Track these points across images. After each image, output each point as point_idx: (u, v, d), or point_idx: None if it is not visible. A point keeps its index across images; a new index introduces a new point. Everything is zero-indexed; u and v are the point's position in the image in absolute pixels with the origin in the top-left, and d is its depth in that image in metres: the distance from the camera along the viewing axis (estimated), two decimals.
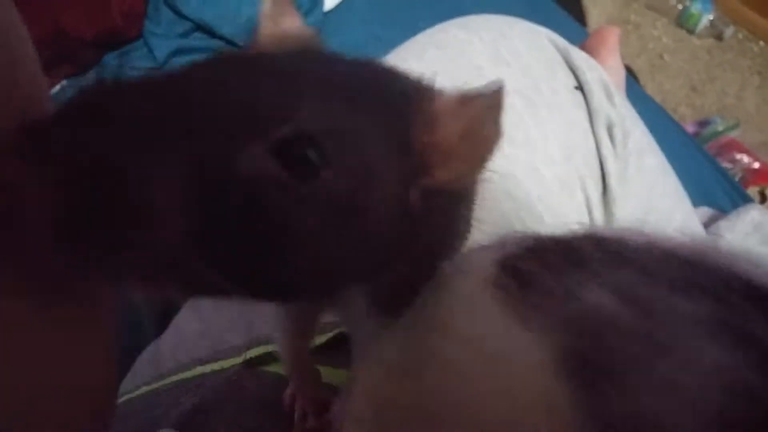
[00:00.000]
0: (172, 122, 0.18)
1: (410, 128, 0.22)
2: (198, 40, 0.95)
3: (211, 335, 0.51)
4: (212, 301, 0.54)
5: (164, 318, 0.60)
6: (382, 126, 0.22)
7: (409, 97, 0.23)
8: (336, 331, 0.39)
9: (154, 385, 0.39)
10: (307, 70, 0.22)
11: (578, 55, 0.64)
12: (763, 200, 1.24)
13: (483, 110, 0.23)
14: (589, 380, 0.15)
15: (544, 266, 0.19)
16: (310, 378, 0.34)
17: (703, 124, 1.48)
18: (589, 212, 0.58)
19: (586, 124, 0.60)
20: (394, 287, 0.26)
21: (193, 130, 0.18)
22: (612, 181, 0.58)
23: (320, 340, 0.38)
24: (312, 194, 0.20)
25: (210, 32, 0.95)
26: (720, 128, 1.46)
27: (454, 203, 0.26)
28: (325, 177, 0.20)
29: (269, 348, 0.37)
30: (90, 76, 0.19)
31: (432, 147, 0.22)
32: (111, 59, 0.91)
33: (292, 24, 0.26)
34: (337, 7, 1.03)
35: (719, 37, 1.74)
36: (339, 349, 0.37)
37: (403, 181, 0.22)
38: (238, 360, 0.37)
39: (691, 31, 1.73)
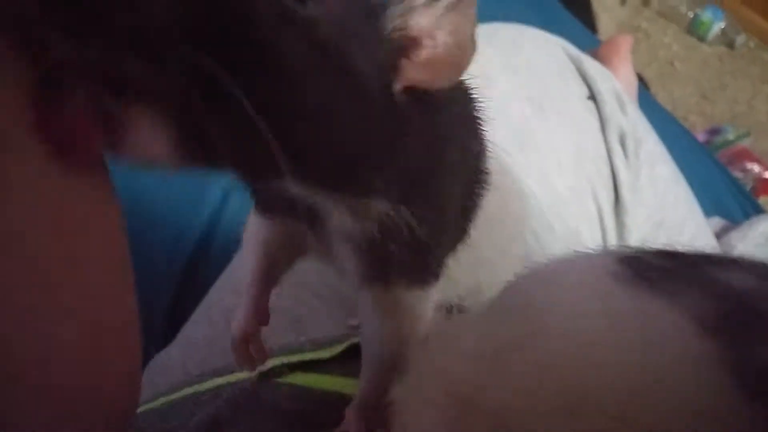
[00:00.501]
0: None
1: (385, 16, 0.24)
2: None
3: (221, 342, 0.51)
4: (221, 309, 0.54)
5: (172, 326, 0.60)
6: (362, 6, 0.23)
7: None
8: (348, 342, 0.39)
9: (170, 397, 0.38)
10: None
11: (591, 65, 0.64)
12: None
13: (454, 9, 0.24)
14: (737, 336, 0.16)
15: (683, 263, 0.20)
16: (263, 310, 0.35)
17: (713, 132, 1.47)
18: (601, 221, 0.57)
19: (598, 134, 0.60)
20: (382, 239, 0.27)
21: None
22: (624, 191, 0.58)
23: (333, 351, 0.38)
24: (300, 19, 0.20)
25: None
26: (731, 137, 1.45)
27: (440, 123, 0.27)
28: (312, 9, 0.21)
29: (284, 359, 0.37)
30: None
31: (406, 36, 0.24)
32: None
33: None
34: None
35: (730, 45, 1.73)
36: (351, 359, 0.37)
37: (382, 60, 0.23)
38: (254, 374, 0.37)
39: (702, 39, 1.73)
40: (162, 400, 0.38)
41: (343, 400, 0.33)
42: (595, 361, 0.18)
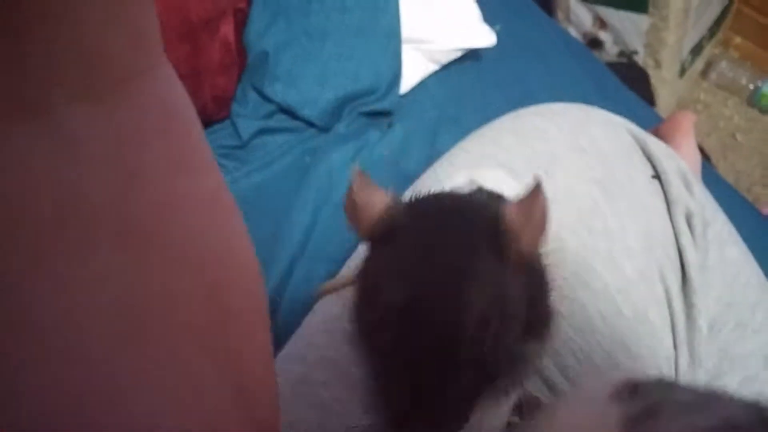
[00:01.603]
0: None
1: (504, 248, 0.33)
2: (280, 121, 1.01)
3: (288, 416, 0.52)
4: (286, 381, 0.55)
5: None
6: (493, 262, 0.33)
7: (494, 221, 0.33)
8: None
9: None
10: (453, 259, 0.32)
11: (655, 145, 0.64)
12: None
13: (542, 210, 0.33)
14: None
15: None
16: None
17: None
18: (669, 303, 0.57)
19: (665, 214, 0.61)
20: None
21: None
22: (692, 271, 0.58)
23: None
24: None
25: (291, 114, 1.01)
26: None
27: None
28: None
29: None
30: None
31: (517, 250, 0.33)
32: None
33: (378, 196, 0.34)
34: (412, 90, 1.08)
35: None
36: None
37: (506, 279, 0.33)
38: None
39: (763, 111, 1.71)
40: None
41: None
42: None
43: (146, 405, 0.16)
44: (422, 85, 1.09)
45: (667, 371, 0.56)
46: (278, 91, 0.99)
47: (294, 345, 0.60)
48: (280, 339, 0.63)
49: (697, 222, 0.60)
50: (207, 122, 1.00)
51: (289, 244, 0.86)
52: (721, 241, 0.61)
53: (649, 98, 1.48)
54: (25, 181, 0.14)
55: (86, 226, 0.16)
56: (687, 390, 0.21)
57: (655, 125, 0.90)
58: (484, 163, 0.63)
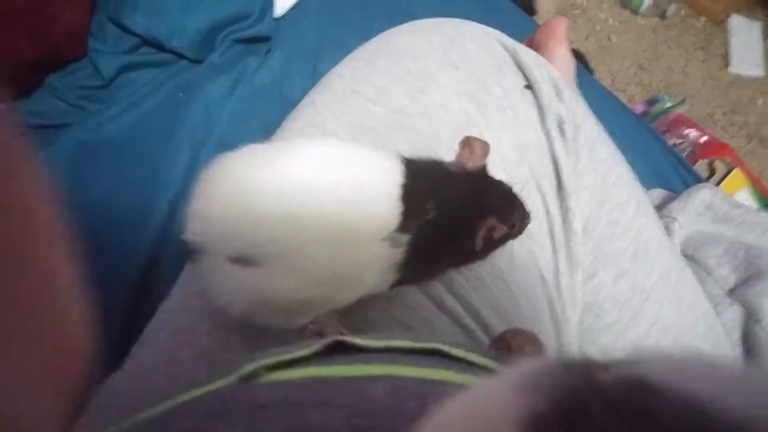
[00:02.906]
0: None
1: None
2: (145, 55, 0.94)
3: (169, 368, 0.50)
4: (170, 332, 0.54)
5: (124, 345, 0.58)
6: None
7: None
8: (330, 339, 0.38)
9: (143, 415, 0.37)
10: None
11: (526, 54, 0.65)
12: (712, 173, 1.28)
13: None
14: None
15: None
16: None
17: (651, 102, 1.52)
18: (546, 210, 0.59)
19: (538, 123, 0.62)
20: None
21: None
22: (565, 176, 0.60)
23: (313, 348, 0.37)
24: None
25: (158, 46, 0.94)
26: (668, 105, 1.49)
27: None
28: None
29: (261, 362, 0.37)
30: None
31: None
32: (55, 80, 0.89)
33: None
34: (288, 12, 1.02)
35: (662, 16, 1.78)
36: (333, 355, 0.37)
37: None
38: (231, 379, 0.36)
39: (635, 12, 1.77)
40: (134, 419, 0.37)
41: (325, 382, 0.33)
42: None
43: None
44: (300, 6, 1.04)
45: (547, 274, 0.58)
46: (140, 23, 0.91)
47: (176, 294, 0.58)
48: (164, 286, 0.60)
49: (568, 127, 0.62)
50: (62, 61, 0.91)
51: (169, 186, 0.81)
52: (591, 144, 0.63)
53: (529, 7, 1.49)
54: None
55: None
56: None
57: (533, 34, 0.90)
58: (357, 87, 0.61)
